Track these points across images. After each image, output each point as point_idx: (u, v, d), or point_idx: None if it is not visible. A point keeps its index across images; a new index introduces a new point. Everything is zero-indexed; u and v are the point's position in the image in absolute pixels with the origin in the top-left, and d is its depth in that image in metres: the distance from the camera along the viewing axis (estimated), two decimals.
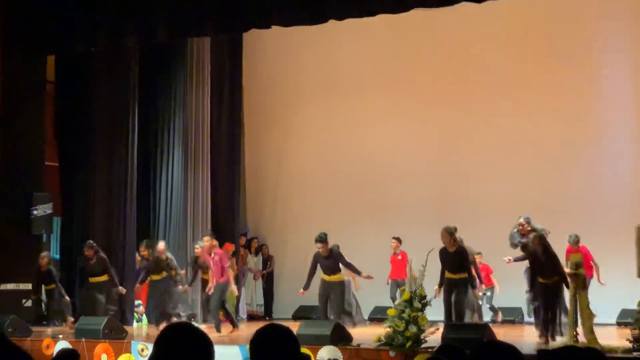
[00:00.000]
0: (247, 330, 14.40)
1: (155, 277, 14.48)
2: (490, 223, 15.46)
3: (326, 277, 13.26)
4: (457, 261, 12.10)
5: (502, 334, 11.83)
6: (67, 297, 14.64)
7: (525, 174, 16.27)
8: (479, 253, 14.89)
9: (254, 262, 17.92)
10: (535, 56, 16.38)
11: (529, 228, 12.63)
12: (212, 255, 13.69)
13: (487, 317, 15.05)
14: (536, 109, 16.35)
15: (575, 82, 16.06)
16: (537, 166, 16.21)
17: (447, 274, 12.16)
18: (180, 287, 14.39)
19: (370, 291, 15.57)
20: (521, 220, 12.98)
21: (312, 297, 15.30)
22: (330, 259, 13.18)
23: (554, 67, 16.24)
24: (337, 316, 13.13)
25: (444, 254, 12.17)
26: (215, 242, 14.00)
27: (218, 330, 13.46)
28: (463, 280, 12.12)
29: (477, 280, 13.58)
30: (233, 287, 13.82)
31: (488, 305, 15.34)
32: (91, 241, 14.60)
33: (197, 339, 3.14)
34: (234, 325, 13.69)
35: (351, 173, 17.90)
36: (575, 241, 13.03)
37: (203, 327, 13.17)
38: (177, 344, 3.11)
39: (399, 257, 15.65)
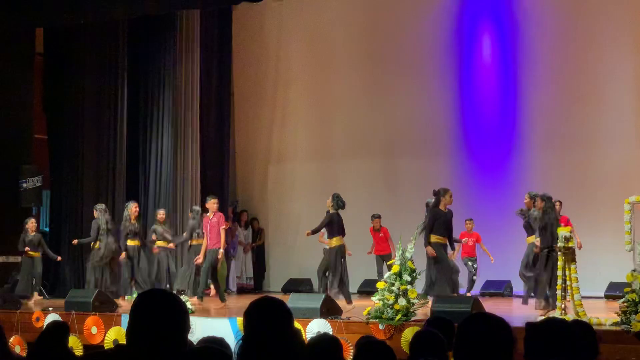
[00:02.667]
0: (238, 303, 14.42)
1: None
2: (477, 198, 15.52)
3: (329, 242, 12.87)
4: (449, 224, 12.09)
5: (491, 306, 11.87)
6: (59, 257, 14.69)
7: (517, 147, 16.28)
8: (470, 220, 14.90)
9: (244, 235, 17.89)
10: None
11: (534, 203, 12.57)
12: (211, 217, 13.39)
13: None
14: (529, 82, 16.34)
15: (571, 58, 16.05)
16: (529, 139, 16.20)
17: (436, 238, 11.93)
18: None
19: (360, 264, 15.63)
20: (526, 196, 12.95)
21: (302, 271, 15.34)
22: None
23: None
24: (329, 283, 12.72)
25: (438, 212, 12.01)
26: (217, 204, 13.70)
27: (200, 298, 13.31)
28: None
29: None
30: (220, 254, 13.46)
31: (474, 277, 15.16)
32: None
33: (171, 305, 3.14)
34: (222, 300, 13.36)
35: (343, 145, 17.86)
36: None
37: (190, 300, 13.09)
38: (152, 310, 3.11)
39: (381, 235, 15.62)
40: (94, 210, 14.27)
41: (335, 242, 12.52)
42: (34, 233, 14.43)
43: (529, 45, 16.31)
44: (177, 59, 16.95)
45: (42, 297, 14.44)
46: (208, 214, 13.51)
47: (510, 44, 16.52)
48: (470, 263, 14.90)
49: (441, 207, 12.05)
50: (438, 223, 11.95)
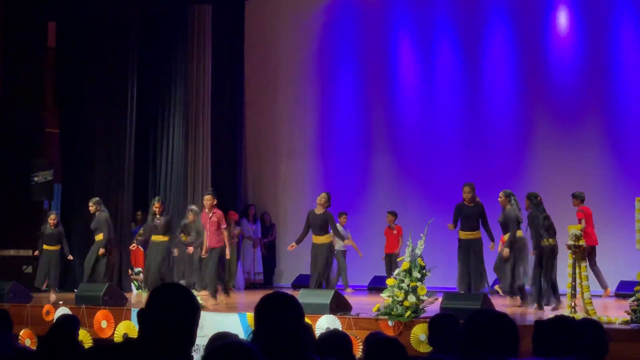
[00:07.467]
0: (247, 298, 14.43)
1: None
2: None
3: (315, 239, 12.73)
4: (474, 218, 12.06)
5: (501, 304, 11.86)
6: (70, 257, 14.57)
7: (528, 143, 16.24)
8: None
9: (253, 230, 17.86)
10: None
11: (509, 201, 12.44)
12: (210, 215, 13.22)
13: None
14: (540, 76, 16.31)
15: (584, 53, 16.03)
16: (541, 135, 16.15)
17: (463, 234, 12.06)
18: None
19: (369, 261, 15.64)
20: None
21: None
22: (321, 218, 12.63)
23: None
24: (314, 280, 12.46)
25: (458, 207, 12.09)
26: (216, 201, 13.41)
27: (214, 296, 13.22)
28: (478, 240, 12.08)
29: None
30: (227, 251, 13.45)
31: None
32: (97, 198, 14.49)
33: (185, 300, 3.15)
34: (226, 293, 13.31)
35: (356, 140, 17.84)
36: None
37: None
38: (164, 303, 3.13)
39: (394, 232, 15.60)
40: (93, 205, 14.24)
41: (325, 239, 12.56)
42: (54, 227, 14.40)
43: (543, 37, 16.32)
44: (188, 54, 16.94)
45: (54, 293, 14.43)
46: (206, 210, 13.38)
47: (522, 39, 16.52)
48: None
49: (465, 201, 12.13)
50: (461, 218, 12.08)
